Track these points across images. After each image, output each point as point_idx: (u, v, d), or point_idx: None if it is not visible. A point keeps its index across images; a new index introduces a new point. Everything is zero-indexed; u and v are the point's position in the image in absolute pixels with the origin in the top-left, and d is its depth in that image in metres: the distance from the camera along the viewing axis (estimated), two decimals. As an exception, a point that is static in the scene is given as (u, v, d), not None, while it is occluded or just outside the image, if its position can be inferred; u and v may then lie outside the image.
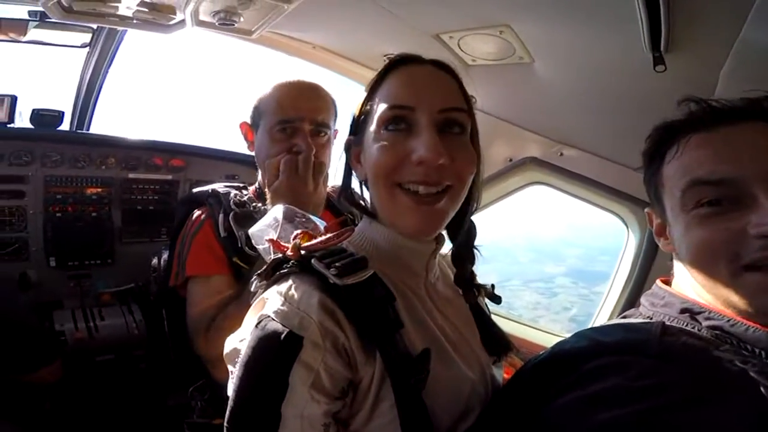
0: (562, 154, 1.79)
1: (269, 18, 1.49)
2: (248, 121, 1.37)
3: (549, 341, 2.06)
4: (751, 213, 0.65)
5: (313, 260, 0.71)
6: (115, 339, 1.98)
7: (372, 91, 0.81)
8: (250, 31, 1.58)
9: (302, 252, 0.74)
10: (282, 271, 0.73)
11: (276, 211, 0.97)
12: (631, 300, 1.87)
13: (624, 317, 0.85)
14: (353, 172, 0.86)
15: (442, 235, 0.85)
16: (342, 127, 1.37)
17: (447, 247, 0.89)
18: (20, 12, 1.79)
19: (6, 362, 1.32)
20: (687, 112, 0.77)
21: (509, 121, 1.80)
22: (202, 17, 1.48)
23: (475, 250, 0.90)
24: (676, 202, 0.75)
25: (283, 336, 0.64)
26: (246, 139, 1.39)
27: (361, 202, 0.89)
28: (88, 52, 2.10)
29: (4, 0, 1.42)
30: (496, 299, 0.99)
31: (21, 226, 2.08)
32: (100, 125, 2.46)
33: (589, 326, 1.99)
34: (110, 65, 2.17)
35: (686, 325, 0.70)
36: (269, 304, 0.69)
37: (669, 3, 0.98)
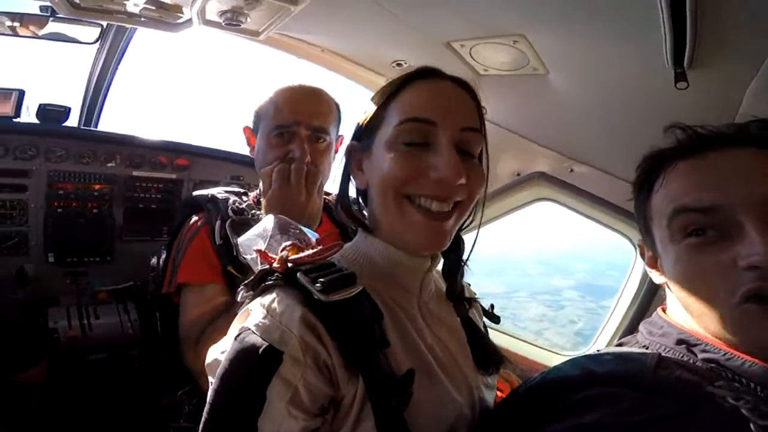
0: (572, 170, 1.73)
1: (276, 19, 1.46)
2: (251, 125, 1.34)
3: (549, 359, 2.02)
4: (737, 243, 0.63)
5: (299, 274, 0.69)
6: (108, 338, 1.94)
7: (387, 99, 0.78)
8: (257, 32, 1.56)
9: (289, 265, 0.73)
10: (267, 283, 0.71)
11: (267, 221, 0.95)
12: (636, 320, 1.82)
13: (620, 344, 0.83)
14: (352, 179, 0.84)
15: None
16: (347, 133, 1.33)
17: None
18: (32, 7, 1.78)
19: None
20: (674, 139, 0.75)
21: (519, 133, 1.74)
22: (209, 17, 1.46)
23: (465, 265, 0.89)
24: (664, 233, 0.73)
25: (261, 350, 0.63)
26: (248, 143, 1.36)
27: (357, 214, 0.85)
28: (97, 49, 2.09)
29: None
30: (495, 319, 0.97)
31: (22, 220, 2.06)
32: (110, 122, 2.46)
33: (591, 343, 1.97)
34: (119, 63, 2.16)
35: (682, 357, 0.69)
36: (251, 316, 0.68)
37: (696, 18, 0.94)
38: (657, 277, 0.81)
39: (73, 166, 2.13)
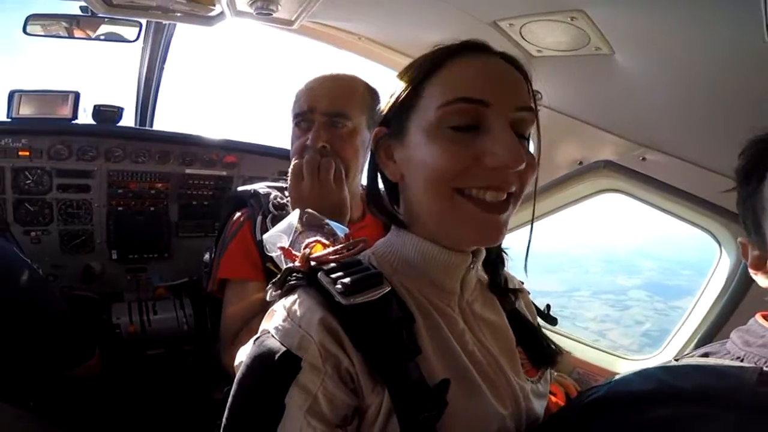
0: (644, 159, 1.51)
1: (307, 5, 1.39)
2: None
3: (611, 363, 1.87)
4: None
5: (320, 274, 0.65)
6: (166, 333, 2.03)
7: (425, 77, 0.68)
8: (290, 21, 1.51)
9: (312, 263, 0.69)
10: (290, 283, 0.68)
11: (293, 217, 0.91)
12: (716, 326, 1.61)
13: (706, 354, 0.71)
14: (382, 171, 0.76)
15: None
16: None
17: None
18: (73, 8, 1.83)
19: (41, 358, 1.36)
20: None
21: (581, 119, 1.54)
22: (240, 7, 1.43)
23: (505, 254, 0.85)
24: None
25: (279, 355, 0.60)
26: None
27: (390, 207, 0.78)
28: (142, 48, 2.13)
29: None
30: (551, 320, 0.90)
31: (87, 219, 2.17)
32: (164, 120, 2.53)
33: (662, 347, 1.78)
34: (165, 60, 2.20)
35: None
36: (273, 318, 0.65)
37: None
38: (763, 281, 0.71)
39: (130, 165, 2.21)
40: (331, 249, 0.72)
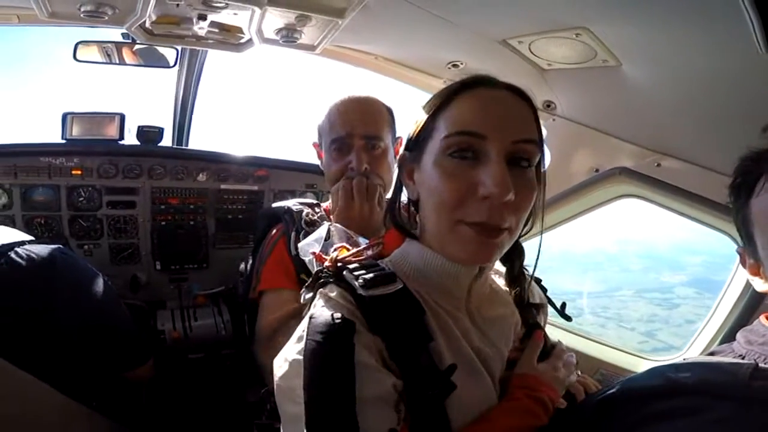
0: (659, 165, 1.53)
1: (328, 33, 1.51)
2: (316, 140, 1.43)
3: (634, 364, 1.87)
4: None
5: (344, 271, 0.76)
6: (205, 338, 2.15)
7: (438, 109, 0.76)
8: (313, 46, 1.62)
9: (339, 264, 0.79)
10: (321, 281, 0.78)
11: (322, 229, 1.10)
12: (737, 328, 1.58)
13: (712, 354, 0.78)
14: (404, 188, 0.85)
15: None
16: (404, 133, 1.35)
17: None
18: (115, 35, 1.98)
19: (107, 362, 1.49)
20: None
21: (595, 128, 1.58)
22: (267, 35, 1.55)
23: (526, 271, 0.90)
24: (766, 240, 0.68)
25: (338, 320, 0.68)
26: (318, 157, 1.44)
27: (404, 223, 0.86)
28: (177, 71, 2.29)
29: (97, 25, 1.57)
30: (567, 318, 0.95)
31: (133, 233, 2.34)
32: (198, 140, 2.69)
33: (685, 350, 1.76)
34: (198, 83, 2.34)
35: None
36: (316, 305, 0.74)
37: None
38: (760, 285, 0.76)
39: (171, 182, 2.36)
40: (353, 250, 0.83)
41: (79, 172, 2.22)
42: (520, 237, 0.79)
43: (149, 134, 2.31)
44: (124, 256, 2.33)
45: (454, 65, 1.61)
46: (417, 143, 0.79)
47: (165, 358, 2.00)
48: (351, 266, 0.76)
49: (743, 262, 0.80)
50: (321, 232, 1.07)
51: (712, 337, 1.68)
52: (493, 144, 0.69)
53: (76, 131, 2.18)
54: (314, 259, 0.95)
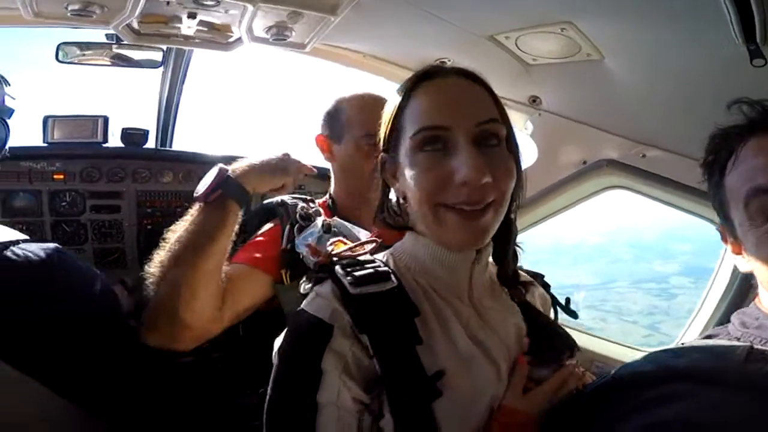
0: (644, 156, 1.57)
1: (319, 30, 1.50)
2: (324, 133, 1.40)
3: (630, 356, 1.89)
4: None
5: (337, 267, 0.75)
6: (195, 341, 2.12)
7: (400, 109, 0.78)
8: (303, 44, 1.61)
9: (333, 259, 0.80)
10: (318, 275, 0.78)
11: (318, 222, 1.13)
12: (729, 311, 1.63)
13: (708, 337, 0.77)
14: (390, 189, 0.85)
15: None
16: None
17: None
18: (99, 36, 1.94)
19: (107, 362, 1.45)
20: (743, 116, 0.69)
21: (580, 121, 1.62)
22: (257, 33, 1.53)
23: (516, 247, 0.87)
24: (743, 217, 0.68)
25: (313, 324, 0.69)
26: (323, 151, 1.42)
27: (399, 218, 0.86)
28: (162, 72, 2.25)
29: (83, 25, 1.51)
30: (572, 314, 0.95)
31: (119, 237, 2.28)
32: (182, 141, 2.64)
33: (678, 339, 1.80)
34: (183, 84, 2.31)
35: None
36: (306, 300, 0.75)
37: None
38: (743, 265, 0.75)
39: (155, 185, 2.31)
40: (349, 245, 0.84)
41: (61, 177, 2.16)
42: (510, 212, 0.79)
43: (134, 136, 2.27)
44: (110, 260, 2.27)
45: (442, 62, 1.63)
46: (390, 144, 0.80)
47: (153, 362, 1.97)
48: (344, 262, 0.77)
49: (724, 239, 0.79)
50: (317, 224, 1.10)
51: (707, 320, 1.72)
52: (458, 132, 0.71)
53: (57, 135, 2.13)
54: (309, 251, 0.97)
